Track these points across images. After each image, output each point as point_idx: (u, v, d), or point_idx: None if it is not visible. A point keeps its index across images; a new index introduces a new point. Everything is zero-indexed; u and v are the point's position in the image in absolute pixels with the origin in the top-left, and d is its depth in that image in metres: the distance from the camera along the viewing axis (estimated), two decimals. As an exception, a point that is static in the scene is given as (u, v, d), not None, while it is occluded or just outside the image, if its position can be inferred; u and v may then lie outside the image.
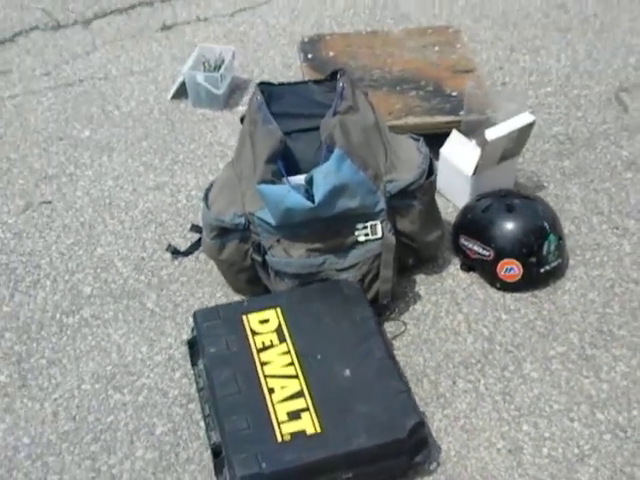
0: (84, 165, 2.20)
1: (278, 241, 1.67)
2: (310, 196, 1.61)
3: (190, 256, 1.92)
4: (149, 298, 1.83)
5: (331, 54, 2.35)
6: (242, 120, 1.81)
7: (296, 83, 1.84)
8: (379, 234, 1.68)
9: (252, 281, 1.77)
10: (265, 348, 1.54)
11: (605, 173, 2.16)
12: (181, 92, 2.42)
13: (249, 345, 1.55)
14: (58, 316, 1.80)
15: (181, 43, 2.67)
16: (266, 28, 2.74)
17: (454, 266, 1.90)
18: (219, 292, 1.84)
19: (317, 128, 1.72)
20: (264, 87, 1.79)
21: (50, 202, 2.09)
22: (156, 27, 2.75)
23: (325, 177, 1.61)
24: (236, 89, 2.46)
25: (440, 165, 2.03)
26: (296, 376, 1.49)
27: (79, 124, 2.35)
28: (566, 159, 2.20)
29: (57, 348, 1.73)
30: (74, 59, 2.61)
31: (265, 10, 2.83)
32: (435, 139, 2.01)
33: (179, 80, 2.42)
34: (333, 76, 1.81)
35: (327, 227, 1.66)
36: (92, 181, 2.15)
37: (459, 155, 1.98)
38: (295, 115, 1.77)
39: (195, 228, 1.93)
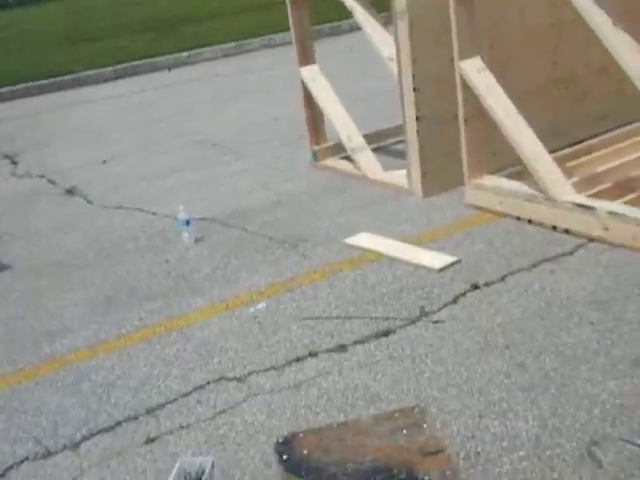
0: None
1: None
2: None
3: None
4: None
5: (305, 452, 2.45)
6: None
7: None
8: None
9: None
10: None
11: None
12: (165, 509, 2.46)
13: None
14: None
15: (164, 455, 2.77)
16: (245, 427, 2.86)
17: None
18: None
19: None
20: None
21: None
22: (141, 441, 2.87)
23: None
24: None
25: None
26: None
27: None
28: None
29: None
30: (61, 485, 2.70)
31: (244, 408, 2.98)
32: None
33: (162, 496, 2.48)
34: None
35: None
36: None
37: None
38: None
39: None
